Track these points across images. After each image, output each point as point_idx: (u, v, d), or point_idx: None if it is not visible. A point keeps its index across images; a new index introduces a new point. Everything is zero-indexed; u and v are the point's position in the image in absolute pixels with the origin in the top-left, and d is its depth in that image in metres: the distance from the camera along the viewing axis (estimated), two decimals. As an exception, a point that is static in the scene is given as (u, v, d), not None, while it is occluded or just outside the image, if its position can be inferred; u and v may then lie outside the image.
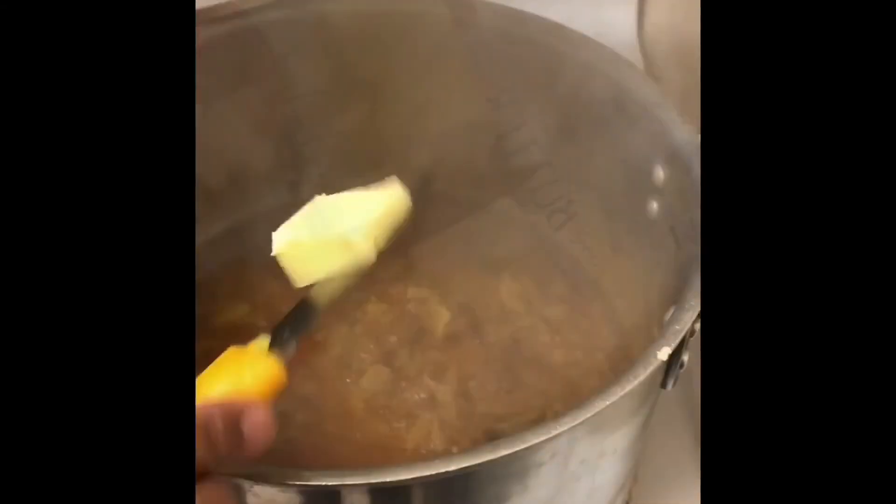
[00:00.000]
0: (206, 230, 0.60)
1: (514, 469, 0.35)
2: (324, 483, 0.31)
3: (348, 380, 0.52)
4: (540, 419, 0.51)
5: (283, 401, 0.51)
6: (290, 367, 0.53)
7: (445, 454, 0.49)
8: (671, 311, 0.38)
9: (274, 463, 0.47)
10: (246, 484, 0.32)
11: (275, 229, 0.61)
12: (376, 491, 0.33)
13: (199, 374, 0.51)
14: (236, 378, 0.36)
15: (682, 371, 0.40)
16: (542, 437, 0.33)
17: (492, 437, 0.49)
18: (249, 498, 0.33)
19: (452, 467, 0.32)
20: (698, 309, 0.38)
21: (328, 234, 0.41)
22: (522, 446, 0.32)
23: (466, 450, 0.32)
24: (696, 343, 0.40)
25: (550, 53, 0.52)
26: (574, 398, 0.52)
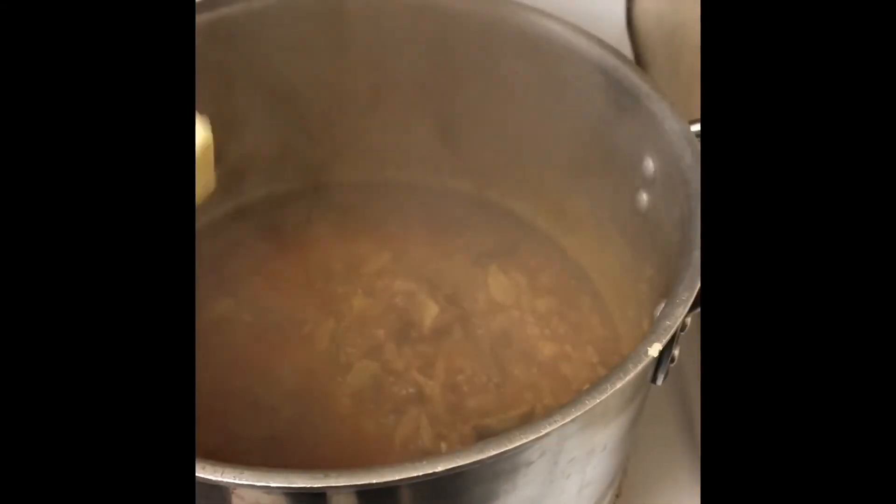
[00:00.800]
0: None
1: (503, 468, 0.35)
2: (309, 485, 0.30)
3: (335, 375, 0.52)
4: (529, 413, 0.50)
5: (269, 396, 0.51)
6: (277, 361, 0.53)
7: (434, 451, 0.48)
8: (662, 305, 0.37)
9: (260, 458, 0.47)
10: (230, 486, 0.32)
11: (260, 223, 0.61)
12: (363, 492, 0.32)
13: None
14: None
15: (672, 365, 0.40)
16: (532, 436, 0.32)
17: (481, 432, 0.49)
18: (234, 500, 0.33)
19: (440, 468, 0.31)
20: (689, 303, 0.37)
21: None
22: (511, 446, 0.32)
23: (455, 450, 0.32)
24: (686, 338, 0.40)
25: (541, 42, 0.51)
26: (564, 392, 0.52)
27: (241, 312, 0.55)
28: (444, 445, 0.49)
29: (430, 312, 0.54)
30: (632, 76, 0.48)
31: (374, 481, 0.30)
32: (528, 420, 0.49)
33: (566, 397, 0.51)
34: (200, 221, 0.60)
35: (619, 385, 0.34)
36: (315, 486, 0.30)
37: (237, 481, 0.30)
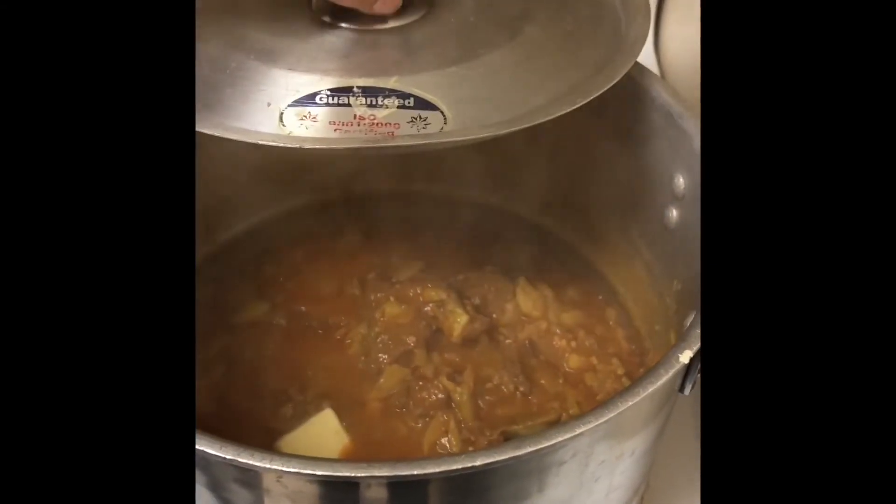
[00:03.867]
0: (229, 230, 0.61)
1: (534, 467, 0.36)
2: (352, 474, 0.32)
3: (366, 378, 0.53)
4: (556, 421, 0.51)
5: (302, 397, 0.52)
6: (310, 364, 0.54)
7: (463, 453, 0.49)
8: (692, 315, 0.39)
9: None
10: (274, 474, 0.33)
11: (296, 231, 0.62)
12: (397, 484, 0.33)
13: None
14: None
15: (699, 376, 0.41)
16: (566, 436, 0.33)
17: (509, 436, 0.50)
18: (277, 488, 0.34)
19: (478, 462, 0.32)
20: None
21: None
22: (546, 444, 0.33)
23: (490, 446, 0.33)
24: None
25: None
26: (589, 402, 0.53)
27: (276, 316, 0.57)
28: (471, 450, 0.50)
29: (460, 321, 0.55)
30: (664, 95, 0.49)
31: (416, 472, 0.31)
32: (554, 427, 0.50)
33: (591, 407, 0.52)
34: (238, 230, 0.62)
35: (650, 389, 0.35)
36: (358, 475, 0.32)
37: (284, 468, 0.32)
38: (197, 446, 0.32)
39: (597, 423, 0.34)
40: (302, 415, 0.51)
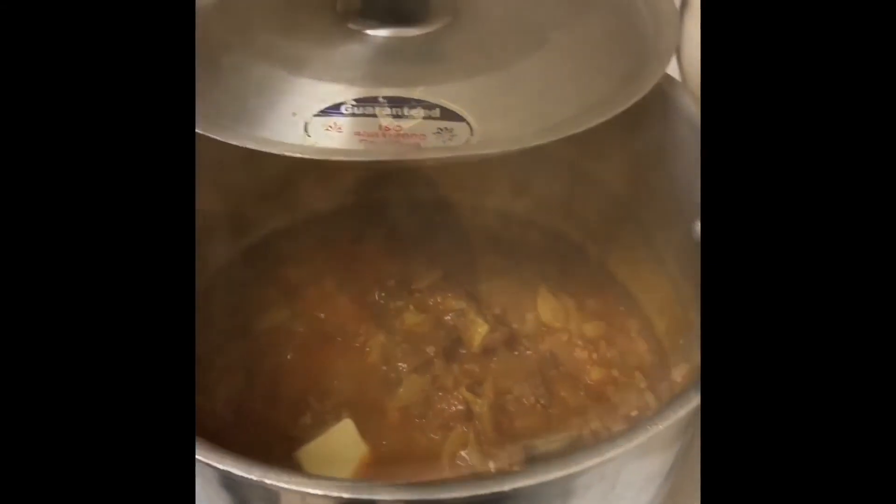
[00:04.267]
0: (249, 236, 0.61)
1: (559, 491, 0.35)
2: (378, 498, 0.31)
3: (385, 388, 0.53)
4: (577, 436, 0.51)
5: (320, 405, 0.52)
6: (329, 372, 0.54)
7: (481, 468, 0.49)
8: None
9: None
10: (298, 496, 0.33)
11: (315, 238, 0.62)
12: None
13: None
14: None
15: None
16: (596, 460, 0.32)
17: (529, 450, 0.49)
18: (301, 508, 0.33)
19: (506, 487, 0.32)
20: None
21: None
22: (577, 468, 0.32)
23: (517, 469, 0.32)
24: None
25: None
26: (611, 416, 0.52)
27: (295, 324, 0.56)
28: (491, 464, 0.49)
29: (480, 331, 0.55)
30: (691, 105, 0.48)
31: (444, 496, 0.31)
32: (575, 443, 0.49)
33: (613, 422, 0.51)
34: (258, 236, 0.62)
35: (681, 413, 0.34)
36: (384, 498, 0.31)
37: (310, 490, 0.31)
38: (221, 466, 0.32)
39: (627, 447, 0.33)
40: (321, 423, 0.51)
